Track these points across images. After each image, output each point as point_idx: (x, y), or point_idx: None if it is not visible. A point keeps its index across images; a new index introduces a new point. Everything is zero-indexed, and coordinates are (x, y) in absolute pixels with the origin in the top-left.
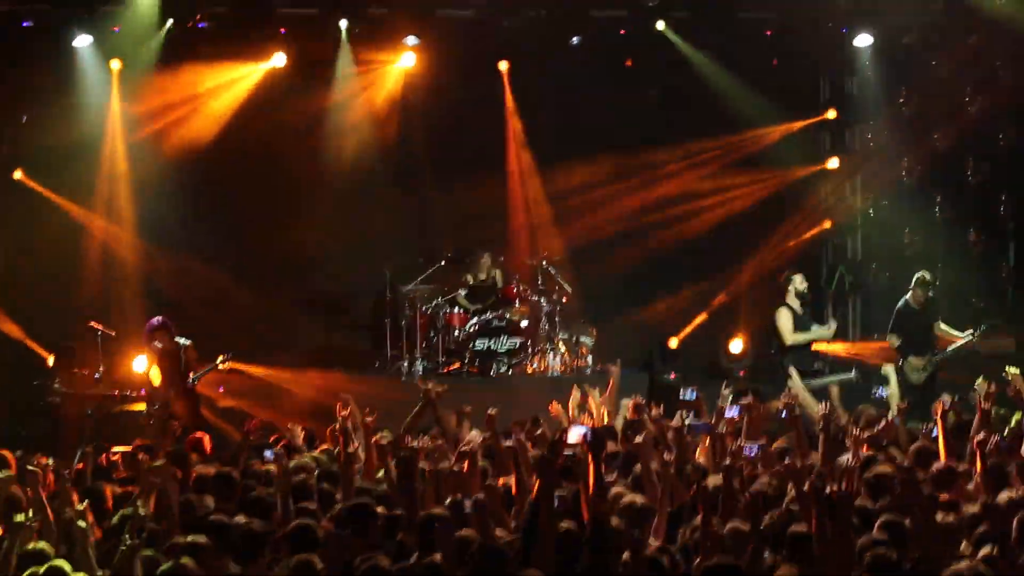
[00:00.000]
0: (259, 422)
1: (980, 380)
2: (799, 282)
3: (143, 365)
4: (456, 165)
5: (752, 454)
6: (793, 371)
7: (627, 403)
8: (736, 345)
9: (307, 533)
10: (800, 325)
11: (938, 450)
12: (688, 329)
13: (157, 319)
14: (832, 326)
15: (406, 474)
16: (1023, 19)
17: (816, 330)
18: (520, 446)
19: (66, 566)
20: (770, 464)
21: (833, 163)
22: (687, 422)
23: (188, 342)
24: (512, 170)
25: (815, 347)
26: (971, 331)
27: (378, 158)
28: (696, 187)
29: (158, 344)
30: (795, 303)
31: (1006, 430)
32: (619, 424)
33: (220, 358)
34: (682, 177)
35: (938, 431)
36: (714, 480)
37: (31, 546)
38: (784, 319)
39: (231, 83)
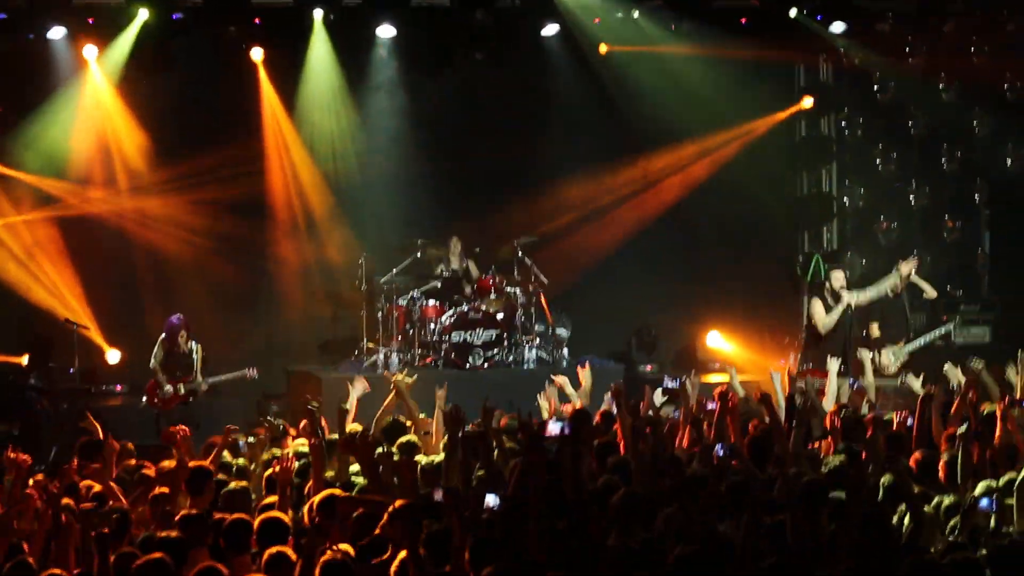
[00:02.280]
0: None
1: (948, 366)
2: (836, 279)
3: (116, 358)
4: (432, 155)
5: (722, 454)
6: (832, 361)
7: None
8: (712, 337)
9: (278, 525)
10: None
11: (912, 438)
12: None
13: (178, 317)
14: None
15: (373, 465)
16: (998, 5)
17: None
18: (493, 433)
19: None
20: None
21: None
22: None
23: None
24: (488, 160)
25: None
26: (948, 323)
27: (354, 148)
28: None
29: (181, 343)
30: (830, 299)
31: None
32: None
33: (248, 371)
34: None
35: (913, 420)
36: (691, 469)
37: None
38: (817, 307)
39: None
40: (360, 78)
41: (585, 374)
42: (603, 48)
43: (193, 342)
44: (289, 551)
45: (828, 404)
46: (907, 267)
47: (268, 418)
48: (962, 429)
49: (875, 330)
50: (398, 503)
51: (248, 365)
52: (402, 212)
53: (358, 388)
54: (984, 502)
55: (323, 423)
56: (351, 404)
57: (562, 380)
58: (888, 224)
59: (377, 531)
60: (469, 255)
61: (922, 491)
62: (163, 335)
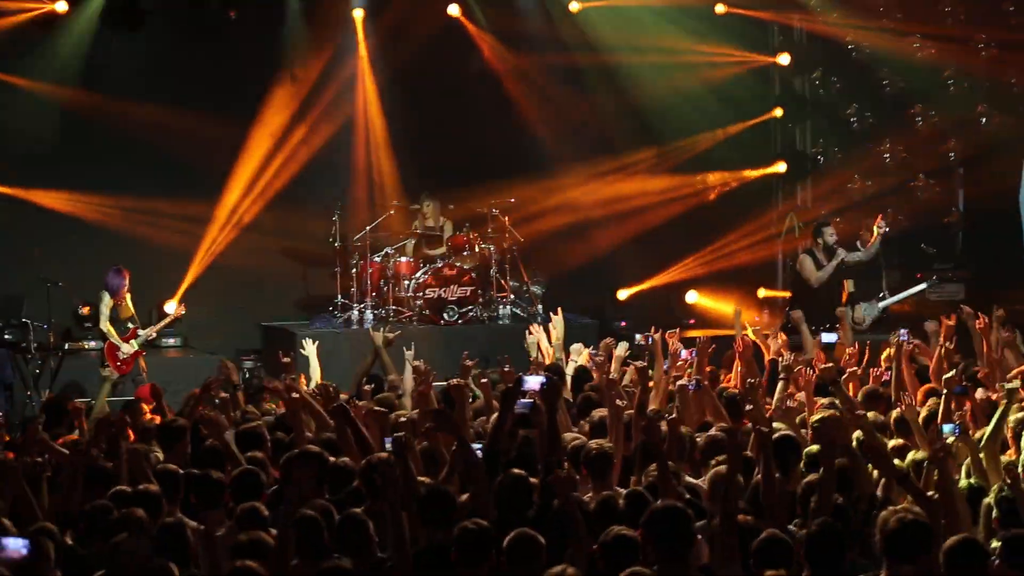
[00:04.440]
0: (219, 379)
1: (930, 321)
2: (828, 234)
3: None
4: (414, 112)
5: (692, 388)
6: (800, 319)
7: (577, 348)
8: (691, 295)
9: (253, 480)
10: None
11: (888, 394)
12: (640, 286)
13: (118, 269)
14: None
15: (344, 422)
16: None
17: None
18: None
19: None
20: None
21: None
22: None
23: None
24: (462, 120)
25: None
26: (923, 284)
27: (332, 108)
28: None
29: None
30: (820, 254)
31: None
32: (569, 369)
33: (170, 307)
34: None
35: (891, 374)
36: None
37: None
38: (807, 262)
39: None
40: (332, 36)
41: (558, 321)
42: (574, 6)
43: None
44: (261, 506)
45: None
46: (880, 226)
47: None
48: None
49: (849, 286)
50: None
51: (220, 324)
52: (377, 171)
53: (310, 348)
54: (947, 427)
55: (301, 380)
56: (314, 362)
57: (538, 332)
58: (863, 182)
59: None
60: (443, 213)
61: (901, 445)
62: (105, 292)
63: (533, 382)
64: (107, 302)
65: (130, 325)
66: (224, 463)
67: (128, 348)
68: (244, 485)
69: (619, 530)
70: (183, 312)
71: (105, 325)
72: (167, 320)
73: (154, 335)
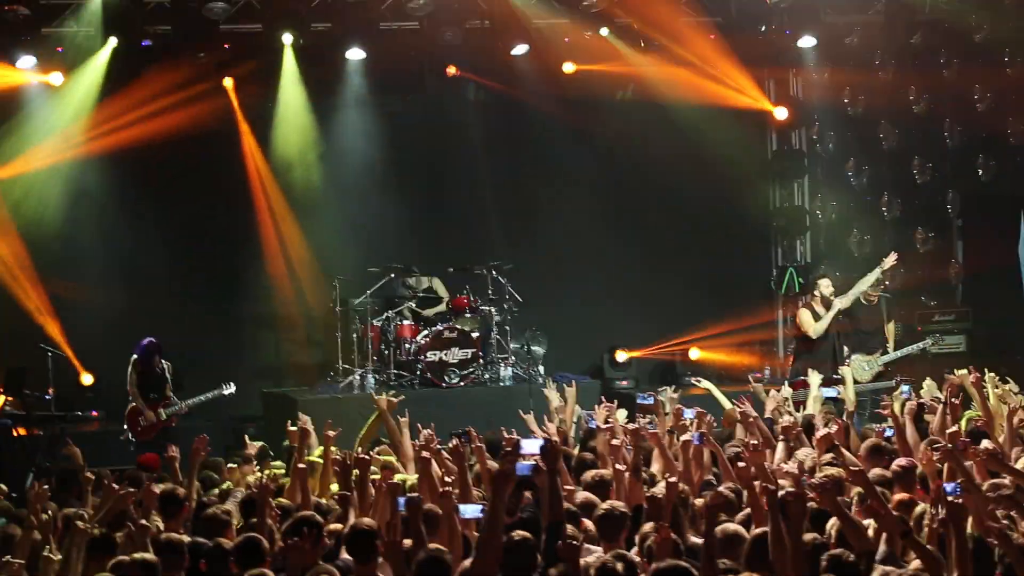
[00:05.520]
0: (207, 439)
1: (927, 381)
2: (824, 287)
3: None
4: (406, 176)
5: (698, 442)
6: (813, 375)
7: (582, 412)
8: (694, 353)
9: (255, 546)
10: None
11: (891, 449)
12: (643, 351)
13: (151, 339)
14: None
15: (345, 487)
16: (965, 17)
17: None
18: (457, 455)
19: None
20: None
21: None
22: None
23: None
24: (460, 180)
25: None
26: (927, 340)
27: (325, 171)
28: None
29: (158, 368)
30: (819, 307)
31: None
32: (571, 433)
33: (224, 387)
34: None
35: (894, 428)
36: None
37: None
38: (805, 315)
39: (177, 101)
40: (330, 101)
41: (571, 393)
42: (569, 67)
43: (165, 362)
44: (269, 572)
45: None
46: (889, 261)
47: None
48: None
49: (894, 329)
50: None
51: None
52: (375, 236)
53: (306, 419)
54: (949, 487)
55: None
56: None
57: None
58: (861, 237)
59: None
60: (439, 276)
61: (907, 499)
62: (135, 357)
63: (531, 445)
64: (134, 365)
65: (166, 394)
66: (225, 531)
67: (151, 415)
68: (249, 551)
69: None
70: (232, 391)
71: (131, 388)
72: (211, 394)
73: (185, 409)
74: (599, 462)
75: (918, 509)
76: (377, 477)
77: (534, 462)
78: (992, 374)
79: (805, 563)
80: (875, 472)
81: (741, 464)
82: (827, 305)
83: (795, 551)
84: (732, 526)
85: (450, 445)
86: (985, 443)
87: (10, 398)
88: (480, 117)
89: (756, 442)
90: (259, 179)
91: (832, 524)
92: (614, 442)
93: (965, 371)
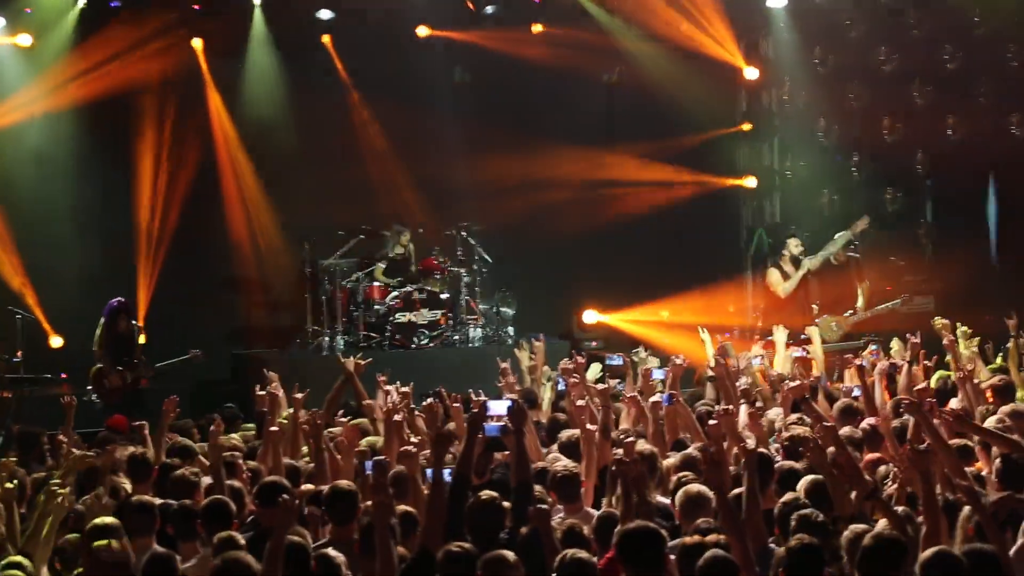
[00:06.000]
0: (176, 400)
1: (895, 341)
2: (793, 246)
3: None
4: (376, 139)
5: (667, 403)
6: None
7: (553, 374)
8: (664, 314)
9: (223, 509)
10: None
11: (860, 408)
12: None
13: (119, 300)
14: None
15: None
16: None
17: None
18: (431, 414)
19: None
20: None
21: (747, 127)
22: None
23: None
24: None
25: None
26: (896, 300)
27: (295, 132)
28: (617, 162)
29: (123, 325)
30: (788, 266)
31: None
32: (546, 394)
33: (194, 353)
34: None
35: (861, 389)
36: (641, 446)
37: None
38: (773, 275)
39: (144, 61)
40: (299, 62)
41: (540, 348)
42: (536, 27)
43: (135, 323)
44: (237, 535)
45: (778, 372)
46: (861, 224)
47: (228, 405)
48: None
49: (864, 289)
50: None
51: (191, 349)
52: (344, 194)
53: (274, 377)
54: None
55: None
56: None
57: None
58: (830, 196)
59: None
60: (413, 237)
61: (875, 459)
62: (103, 318)
63: (499, 406)
64: (101, 325)
65: (137, 356)
66: (193, 493)
67: (115, 379)
68: (216, 514)
69: (574, 554)
70: (201, 358)
71: (95, 347)
72: (182, 358)
73: (153, 372)
74: (571, 422)
75: (882, 469)
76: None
77: (503, 424)
78: (964, 328)
79: (775, 523)
80: (844, 431)
81: (712, 423)
82: (796, 263)
83: (724, 507)
84: (695, 487)
85: (424, 404)
86: (953, 402)
87: None
88: (449, 78)
89: (729, 406)
90: (225, 140)
91: (803, 484)
92: (579, 403)
93: (943, 321)
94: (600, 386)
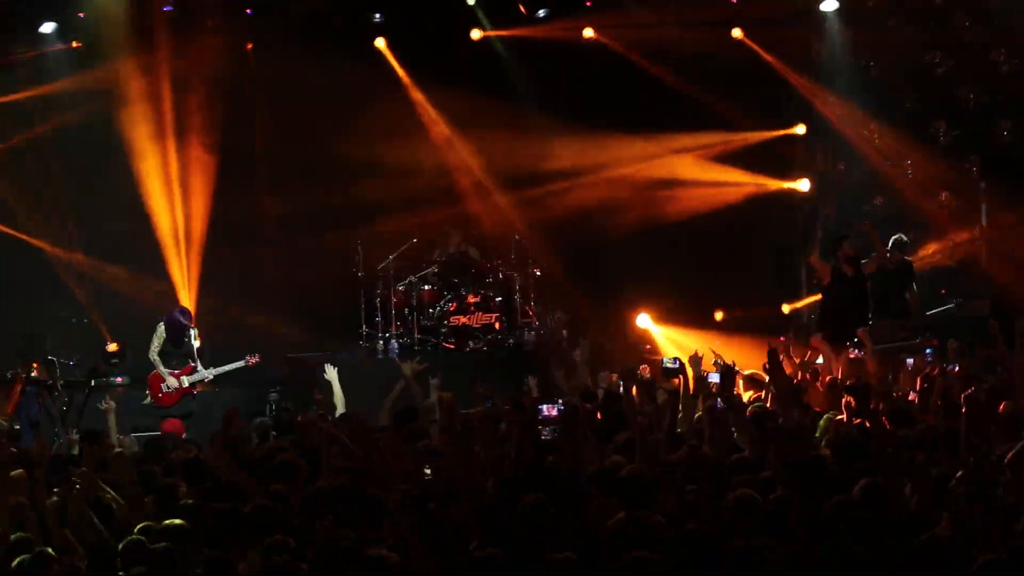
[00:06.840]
0: (238, 410)
1: (951, 342)
2: (848, 248)
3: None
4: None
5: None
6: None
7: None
8: (718, 315)
9: (270, 514)
10: None
11: (913, 411)
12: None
13: (181, 307)
14: None
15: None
16: None
17: None
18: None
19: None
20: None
21: (800, 129)
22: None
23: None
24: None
25: None
26: (949, 304)
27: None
28: (668, 163)
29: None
30: (844, 266)
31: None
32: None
33: (250, 358)
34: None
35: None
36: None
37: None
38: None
39: (197, 64)
40: (352, 63)
41: (585, 346)
42: (588, 32)
43: (192, 330)
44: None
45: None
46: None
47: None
48: None
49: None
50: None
51: (247, 353)
52: (397, 199)
53: (332, 373)
54: None
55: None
56: (336, 388)
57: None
58: (883, 199)
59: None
60: (467, 240)
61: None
62: (162, 325)
63: (551, 409)
64: (159, 333)
65: (190, 362)
66: (242, 497)
67: (173, 382)
68: (265, 518)
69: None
70: (258, 361)
71: (152, 355)
72: (234, 365)
73: (210, 376)
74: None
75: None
76: None
77: (555, 427)
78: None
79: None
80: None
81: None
82: (853, 264)
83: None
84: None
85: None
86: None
87: (35, 364)
88: (509, 83)
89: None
90: (279, 143)
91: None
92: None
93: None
94: (667, 386)
